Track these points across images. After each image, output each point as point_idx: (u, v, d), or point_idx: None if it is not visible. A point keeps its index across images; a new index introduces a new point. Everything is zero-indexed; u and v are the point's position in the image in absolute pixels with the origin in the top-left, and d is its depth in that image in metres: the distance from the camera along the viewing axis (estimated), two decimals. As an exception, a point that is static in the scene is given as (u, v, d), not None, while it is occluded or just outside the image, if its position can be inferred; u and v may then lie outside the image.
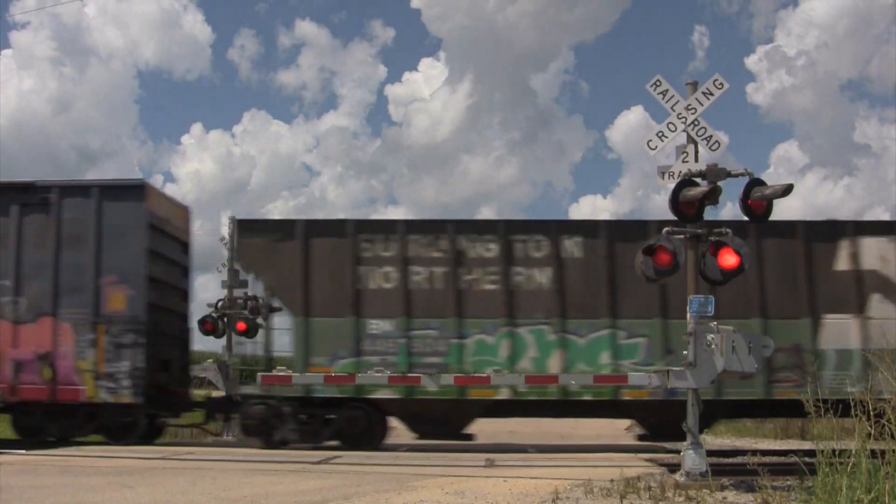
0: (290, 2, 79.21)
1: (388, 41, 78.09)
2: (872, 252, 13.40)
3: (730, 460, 11.67)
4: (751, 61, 68.48)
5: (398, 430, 14.38)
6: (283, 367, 11.81)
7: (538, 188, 77.43)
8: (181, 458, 10.70)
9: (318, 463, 10.32)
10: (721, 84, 8.77)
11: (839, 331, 13.20)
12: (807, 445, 10.53)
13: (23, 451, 11.52)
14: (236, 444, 13.81)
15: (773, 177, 50.17)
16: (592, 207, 71.87)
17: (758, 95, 69.65)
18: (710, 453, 8.84)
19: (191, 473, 8.91)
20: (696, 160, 8.69)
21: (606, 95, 78.64)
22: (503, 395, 13.04)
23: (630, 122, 66.92)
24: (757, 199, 8.25)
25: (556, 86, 76.16)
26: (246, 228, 13.63)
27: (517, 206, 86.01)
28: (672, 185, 8.47)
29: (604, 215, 71.56)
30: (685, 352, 8.25)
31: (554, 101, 76.74)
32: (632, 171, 73.65)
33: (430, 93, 72.08)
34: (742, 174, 8.40)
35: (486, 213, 78.60)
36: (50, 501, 6.96)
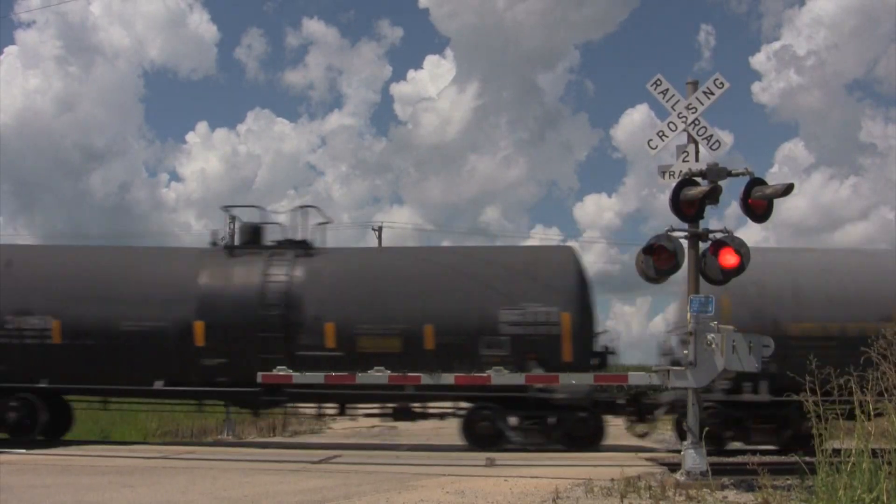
0: (298, 1, 79.13)
1: (396, 41, 78.08)
2: None
3: (730, 460, 11.63)
4: (756, 60, 68.32)
5: (400, 430, 14.35)
6: (283, 367, 11.76)
7: (543, 187, 77.24)
8: (181, 458, 10.69)
9: (319, 462, 10.31)
10: (721, 83, 8.75)
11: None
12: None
13: (23, 451, 11.51)
14: (237, 444, 13.80)
15: (777, 176, 49.97)
16: (597, 207, 71.54)
17: (764, 95, 69.47)
18: (711, 453, 8.82)
19: (191, 473, 8.90)
20: (697, 159, 8.68)
21: (611, 94, 78.64)
22: None
23: (635, 121, 66.57)
24: (758, 198, 8.24)
25: (561, 85, 76.02)
26: None
27: (523, 205, 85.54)
28: (673, 184, 8.46)
29: (608, 214, 71.17)
30: (685, 351, 8.24)
31: (559, 101, 76.59)
32: (636, 170, 73.30)
33: (437, 92, 71.92)
34: (742, 173, 8.39)
35: (490, 213, 77.85)
36: (50, 501, 6.96)
